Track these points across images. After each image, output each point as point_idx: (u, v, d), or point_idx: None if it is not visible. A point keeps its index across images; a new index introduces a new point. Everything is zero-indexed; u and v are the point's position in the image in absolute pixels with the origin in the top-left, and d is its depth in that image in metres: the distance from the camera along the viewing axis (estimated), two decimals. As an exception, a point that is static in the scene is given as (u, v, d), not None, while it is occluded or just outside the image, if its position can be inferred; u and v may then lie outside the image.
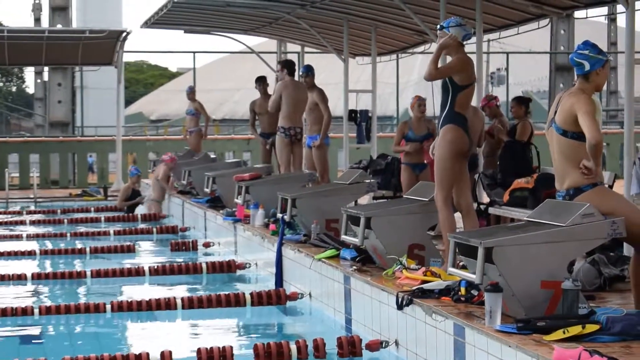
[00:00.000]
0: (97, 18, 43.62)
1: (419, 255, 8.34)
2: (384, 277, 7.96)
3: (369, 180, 10.91)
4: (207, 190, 14.89)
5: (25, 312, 9.09)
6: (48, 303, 9.56)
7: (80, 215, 18.58)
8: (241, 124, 42.51)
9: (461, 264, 6.63)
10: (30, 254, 13.24)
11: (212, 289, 10.63)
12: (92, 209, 19.09)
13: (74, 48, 23.51)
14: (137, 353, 7.13)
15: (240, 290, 9.86)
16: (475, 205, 9.47)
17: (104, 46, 23.39)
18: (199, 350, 7.23)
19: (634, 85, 9.34)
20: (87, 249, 13.35)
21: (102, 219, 17.72)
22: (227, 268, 11.56)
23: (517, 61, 39.09)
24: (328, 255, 9.24)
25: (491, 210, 10.45)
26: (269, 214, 11.93)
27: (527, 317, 5.94)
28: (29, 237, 15.28)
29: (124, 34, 22.96)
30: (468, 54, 7.95)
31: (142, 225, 16.66)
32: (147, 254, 13.95)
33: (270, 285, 10.38)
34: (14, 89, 62.69)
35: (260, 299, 9.49)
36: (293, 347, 7.28)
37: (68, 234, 15.32)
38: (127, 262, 12.43)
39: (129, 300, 9.42)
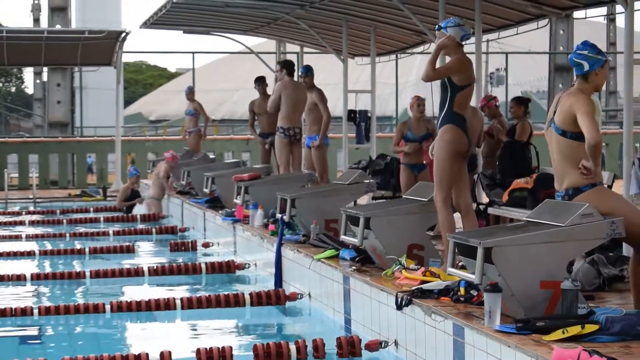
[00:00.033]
0: (96, 18, 43.69)
1: (418, 256, 8.34)
2: (384, 277, 7.96)
3: (368, 181, 10.91)
4: (207, 190, 14.89)
5: (24, 312, 9.08)
6: (47, 303, 9.55)
7: (80, 215, 18.58)
8: (240, 124, 42.52)
9: (460, 264, 6.62)
10: (29, 254, 13.24)
11: (211, 289, 10.63)
12: (92, 209, 19.09)
13: (73, 48, 23.49)
14: (137, 353, 7.12)
15: (239, 291, 9.85)
16: (474, 205, 9.47)
17: (103, 46, 23.37)
18: (198, 351, 7.23)
19: (633, 85, 9.34)
20: (87, 250, 13.34)
21: (102, 219, 17.72)
22: (227, 268, 11.56)
23: (516, 61, 39.14)
24: (327, 256, 9.24)
25: (490, 210, 10.44)
26: (268, 214, 11.94)
27: (527, 317, 5.94)
28: (28, 238, 15.28)
29: (123, 35, 22.95)
30: (467, 54, 7.95)
31: (141, 226, 16.65)
32: (147, 255, 13.95)
33: (270, 285, 10.38)
34: (13, 89, 62.71)
35: (259, 299, 9.49)
36: (292, 347, 7.28)
37: (67, 235, 15.31)
38: (127, 263, 12.41)
39: (129, 300, 9.41)
